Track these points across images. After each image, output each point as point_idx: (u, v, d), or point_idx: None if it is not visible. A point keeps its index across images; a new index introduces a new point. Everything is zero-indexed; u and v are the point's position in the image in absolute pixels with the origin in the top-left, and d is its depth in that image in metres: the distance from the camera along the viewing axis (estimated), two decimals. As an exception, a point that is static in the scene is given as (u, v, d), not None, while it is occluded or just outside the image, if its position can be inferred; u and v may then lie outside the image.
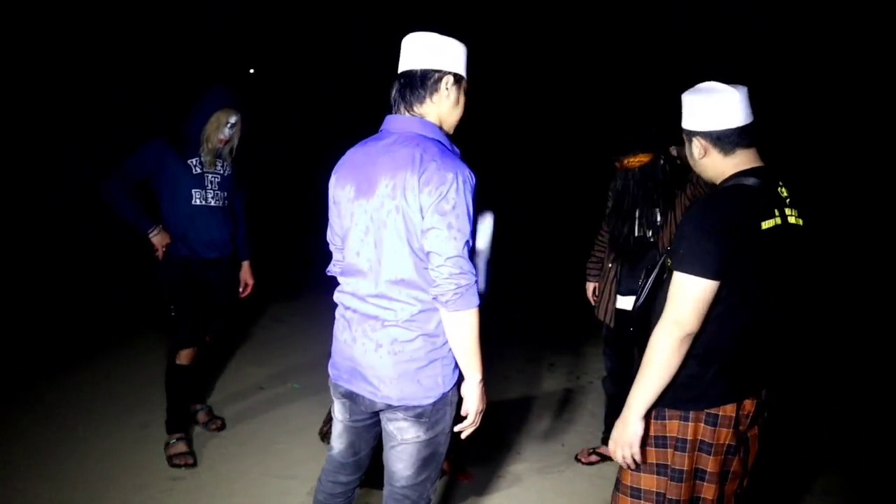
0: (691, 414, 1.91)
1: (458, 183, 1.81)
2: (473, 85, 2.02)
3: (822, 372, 4.73)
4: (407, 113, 1.94)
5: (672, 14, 7.57)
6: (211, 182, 3.29)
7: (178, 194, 3.23)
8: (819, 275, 5.27)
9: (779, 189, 1.91)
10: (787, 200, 1.92)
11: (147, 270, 3.46)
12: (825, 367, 4.85)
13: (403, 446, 1.98)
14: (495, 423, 3.94)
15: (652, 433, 1.96)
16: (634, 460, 1.94)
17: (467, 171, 1.85)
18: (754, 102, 1.92)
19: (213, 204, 3.30)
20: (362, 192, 1.89)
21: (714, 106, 1.90)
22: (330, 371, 2.09)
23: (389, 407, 1.95)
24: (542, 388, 4.60)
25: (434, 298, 1.84)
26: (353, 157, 1.97)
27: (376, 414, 2.06)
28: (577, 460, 3.58)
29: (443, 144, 1.91)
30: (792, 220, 1.91)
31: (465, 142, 2.03)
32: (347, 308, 1.99)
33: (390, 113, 1.98)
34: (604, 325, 3.39)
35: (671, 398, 1.91)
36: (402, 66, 1.95)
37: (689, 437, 1.92)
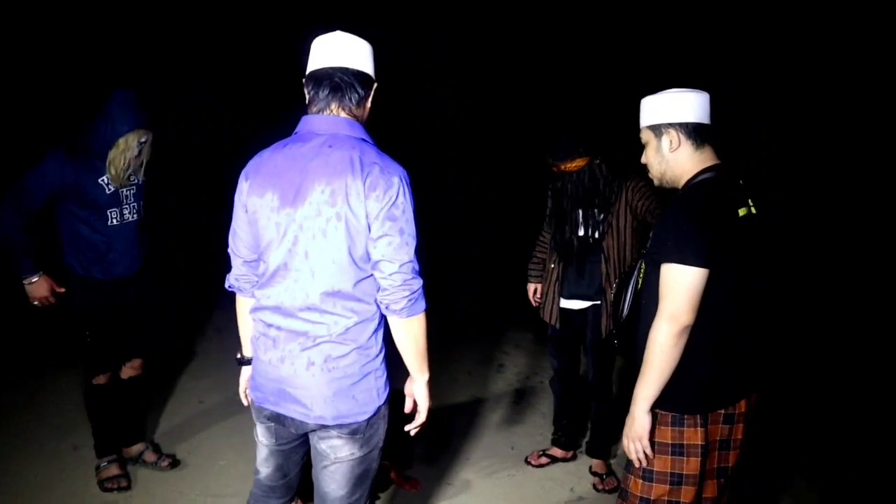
0: (710, 416, 2.00)
1: (403, 186, 1.76)
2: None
3: (805, 371, 4.70)
4: (339, 113, 1.84)
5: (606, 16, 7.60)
6: (126, 197, 2.95)
7: (92, 216, 2.89)
8: (792, 267, 5.34)
9: (740, 182, 2.03)
10: (747, 192, 2.02)
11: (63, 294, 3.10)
12: (808, 365, 4.80)
13: (337, 465, 1.90)
14: (442, 428, 3.88)
15: (670, 440, 2.00)
16: (646, 454, 2.01)
17: (406, 172, 1.81)
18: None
19: (129, 220, 2.98)
20: (288, 201, 1.78)
21: (690, 100, 1.99)
22: (251, 394, 1.98)
23: (322, 427, 1.87)
24: (491, 390, 4.55)
25: (386, 307, 1.79)
26: (272, 162, 1.83)
27: (305, 434, 1.96)
28: (528, 463, 3.55)
29: (375, 146, 1.84)
30: (753, 209, 2.01)
31: (384, 139, 1.96)
32: (270, 325, 1.87)
33: (306, 113, 1.87)
34: (549, 326, 3.37)
35: (686, 402, 1.99)
36: (331, 62, 1.83)
37: (708, 441, 2.01)
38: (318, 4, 6.84)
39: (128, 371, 3.24)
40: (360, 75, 1.84)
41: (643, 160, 2.15)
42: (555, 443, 3.57)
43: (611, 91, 6.82)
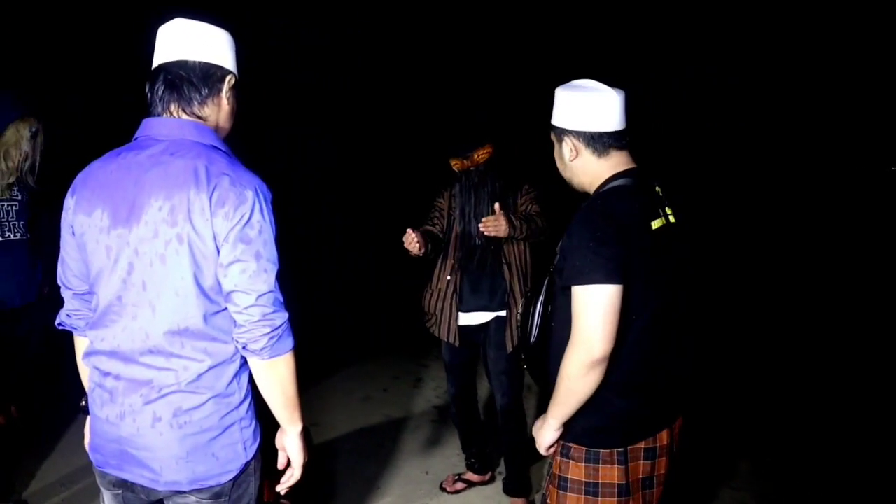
0: (629, 451, 1.80)
1: (259, 201, 1.47)
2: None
3: (734, 390, 4.53)
4: (180, 115, 1.55)
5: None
6: (7, 212, 2.68)
7: None
8: (712, 276, 5.23)
9: (656, 189, 1.82)
10: (664, 200, 1.83)
11: None
12: (737, 383, 4.65)
13: None
14: (352, 454, 3.61)
15: (583, 477, 1.80)
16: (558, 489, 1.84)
17: (265, 186, 1.52)
18: (630, 107, 1.81)
19: (11, 238, 2.69)
20: (121, 220, 1.47)
21: (591, 105, 1.77)
22: (92, 456, 1.64)
23: (177, 492, 1.57)
24: (407, 407, 4.30)
25: (243, 347, 1.49)
26: (102, 174, 1.52)
27: (160, 500, 1.65)
28: (443, 489, 3.31)
29: (228, 154, 1.55)
30: (672, 218, 1.81)
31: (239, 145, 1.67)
32: (106, 374, 1.55)
33: (148, 115, 1.57)
34: (444, 345, 3.06)
35: (601, 436, 1.79)
36: (170, 56, 1.55)
37: (629, 479, 1.80)
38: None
39: (1, 419, 2.83)
40: (203, 69, 1.55)
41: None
42: (469, 468, 3.34)
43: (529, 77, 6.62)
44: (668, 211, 1.82)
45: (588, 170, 1.82)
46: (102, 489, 1.65)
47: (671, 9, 6.98)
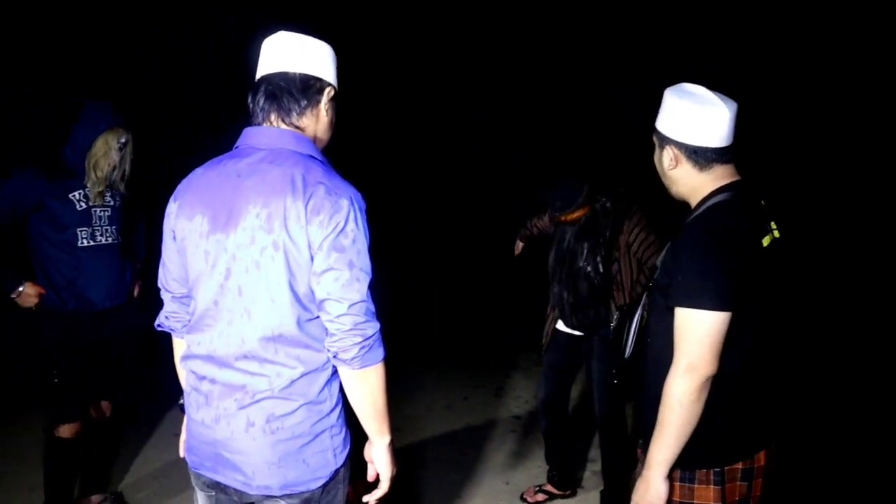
0: (725, 472, 1.69)
1: (354, 210, 1.47)
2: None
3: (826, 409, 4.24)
4: (279, 125, 1.57)
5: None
6: (100, 217, 2.77)
7: (59, 236, 2.70)
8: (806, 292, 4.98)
9: (761, 203, 1.74)
10: (769, 214, 1.74)
11: (28, 326, 2.84)
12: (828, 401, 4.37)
13: None
14: (433, 461, 3.60)
15: (678, 498, 1.71)
16: None
17: (360, 195, 1.52)
18: (740, 121, 1.71)
19: (103, 242, 2.78)
20: (220, 225, 1.50)
21: (699, 118, 1.67)
22: (187, 457, 1.68)
23: (268, 497, 1.58)
24: (488, 416, 4.26)
25: (334, 356, 1.50)
26: (204, 180, 1.56)
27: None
28: (523, 500, 3.26)
29: (325, 164, 1.56)
30: (776, 234, 1.72)
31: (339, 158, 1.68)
32: (202, 378, 1.58)
33: (250, 125, 1.60)
34: (545, 346, 3.10)
35: (698, 455, 1.68)
36: (272, 68, 1.58)
37: (726, 501, 1.71)
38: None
39: (93, 413, 2.95)
40: (303, 80, 1.57)
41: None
42: (550, 480, 3.28)
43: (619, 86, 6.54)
44: (774, 226, 1.73)
45: (687, 181, 1.73)
46: (197, 490, 1.69)
47: (671, 9, 6.81)
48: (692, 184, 1.73)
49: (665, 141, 1.73)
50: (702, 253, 1.57)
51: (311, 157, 1.55)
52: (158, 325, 1.74)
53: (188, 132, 5.78)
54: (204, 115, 5.88)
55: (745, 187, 1.71)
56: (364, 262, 1.48)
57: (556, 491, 3.27)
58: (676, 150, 1.71)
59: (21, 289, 2.69)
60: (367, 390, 1.53)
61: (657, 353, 1.71)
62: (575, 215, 2.80)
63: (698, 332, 1.54)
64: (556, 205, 2.80)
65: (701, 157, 1.69)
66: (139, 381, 3.19)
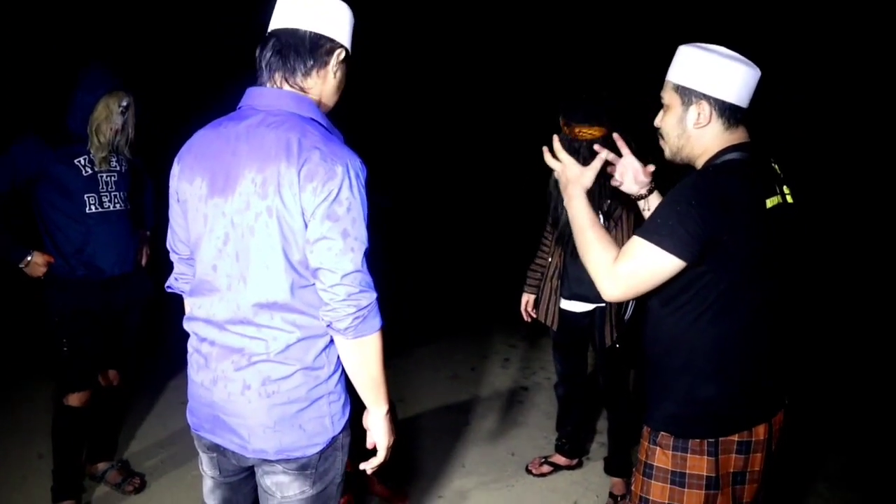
0: (720, 443, 1.68)
1: (349, 178, 1.43)
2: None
3: (831, 381, 4.28)
4: (282, 85, 1.53)
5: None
6: (106, 183, 2.73)
7: (66, 203, 2.66)
8: (819, 260, 4.92)
9: (772, 164, 1.70)
10: (781, 177, 1.70)
11: (35, 296, 2.83)
12: (833, 374, 4.38)
13: None
14: (438, 431, 3.60)
15: (670, 466, 1.70)
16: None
17: (358, 162, 1.48)
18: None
19: (110, 209, 2.74)
20: (218, 189, 1.48)
21: (738, 75, 1.63)
22: (189, 419, 1.67)
23: (265, 461, 1.58)
24: (494, 386, 4.26)
25: (328, 325, 1.48)
26: (205, 142, 1.53)
27: (251, 468, 1.67)
28: (528, 471, 3.26)
29: (324, 127, 1.52)
30: (789, 198, 1.69)
31: (347, 123, 1.64)
32: (203, 339, 1.57)
33: (255, 84, 1.56)
34: (549, 328, 3.03)
35: (691, 426, 1.69)
36: (284, 23, 1.52)
37: (719, 472, 1.69)
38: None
39: (102, 381, 2.95)
40: (313, 39, 1.51)
41: (657, 123, 1.76)
42: (558, 449, 3.28)
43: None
44: (787, 190, 1.68)
45: (707, 140, 1.67)
46: (200, 452, 1.70)
47: (671, 8, 6.73)
48: (710, 144, 1.68)
49: (695, 96, 1.65)
50: (686, 197, 1.54)
51: (312, 119, 1.51)
52: (169, 287, 1.74)
53: (195, 91, 5.74)
54: (209, 73, 5.84)
55: (756, 149, 1.67)
56: (359, 231, 1.44)
57: (561, 462, 3.26)
58: (709, 107, 1.64)
59: (30, 258, 2.67)
60: (363, 360, 1.51)
61: (657, 316, 1.70)
62: (592, 131, 2.62)
63: (642, 265, 1.55)
64: (578, 115, 2.64)
65: (732, 115, 1.65)
66: (146, 349, 3.20)
